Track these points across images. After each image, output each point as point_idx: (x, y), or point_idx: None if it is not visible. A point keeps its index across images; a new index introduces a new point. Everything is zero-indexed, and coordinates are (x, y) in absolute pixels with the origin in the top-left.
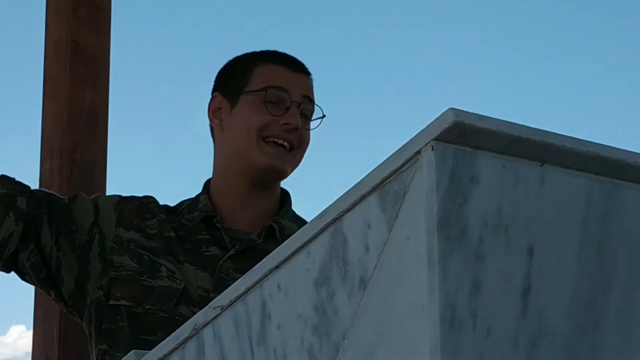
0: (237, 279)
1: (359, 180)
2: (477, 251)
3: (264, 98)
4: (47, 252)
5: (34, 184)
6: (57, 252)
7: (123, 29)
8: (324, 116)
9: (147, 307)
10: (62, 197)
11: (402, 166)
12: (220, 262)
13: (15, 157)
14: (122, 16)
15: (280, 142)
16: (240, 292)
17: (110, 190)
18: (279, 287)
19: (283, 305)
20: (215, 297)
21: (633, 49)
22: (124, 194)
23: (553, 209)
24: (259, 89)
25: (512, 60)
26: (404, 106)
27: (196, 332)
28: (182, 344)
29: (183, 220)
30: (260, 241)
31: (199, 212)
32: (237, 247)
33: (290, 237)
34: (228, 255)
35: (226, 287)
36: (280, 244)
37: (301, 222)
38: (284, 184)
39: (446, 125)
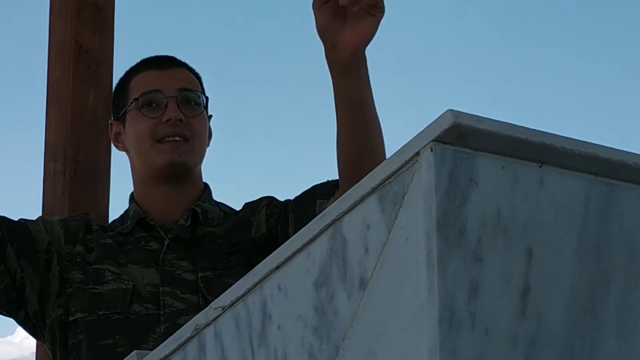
0: (183, 267)
1: (358, 182)
2: (476, 252)
3: (137, 106)
4: (12, 274)
5: (37, 185)
6: (22, 273)
7: (126, 31)
8: (207, 98)
9: (100, 313)
10: (14, 219)
11: (401, 167)
12: (161, 256)
13: (19, 158)
14: (125, 18)
15: (172, 138)
16: (241, 292)
17: (113, 192)
18: (279, 287)
19: (283, 306)
20: (165, 290)
21: (633, 49)
22: (116, 199)
23: (552, 210)
24: (134, 100)
25: (511, 61)
26: (402, 108)
27: (197, 332)
28: (184, 344)
29: (119, 230)
30: (188, 224)
31: (131, 219)
32: (169, 236)
33: (291, 238)
34: (165, 245)
35: (173, 278)
36: (205, 225)
37: (223, 205)
38: (277, 182)
39: (445, 127)
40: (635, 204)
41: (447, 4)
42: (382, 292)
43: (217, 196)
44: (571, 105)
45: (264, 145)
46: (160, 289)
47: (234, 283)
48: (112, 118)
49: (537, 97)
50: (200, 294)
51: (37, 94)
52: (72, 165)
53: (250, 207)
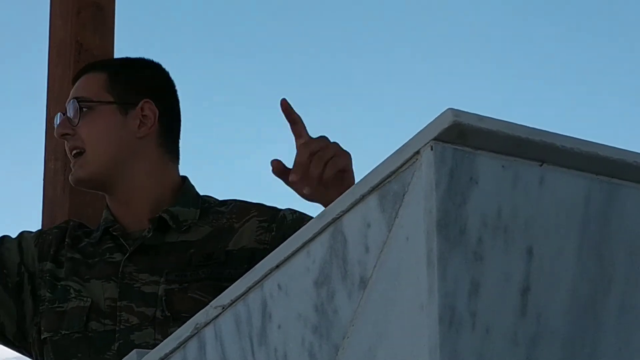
0: (143, 279)
1: (358, 180)
2: (476, 251)
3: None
4: None
5: (38, 184)
6: None
7: (126, 30)
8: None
9: (63, 332)
10: None
11: (401, 166)
12: (121, 269)
13: (19, 157)
14: (126, 17)
15: (70, 155)
16: (241, 291)
17: None
18: (279, 286)
19: (283, 305)
20: (123, 304)
21: (636, 49)
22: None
23: (552, 208)
24: None
25: (512, 59)
26: (403, 106)
27: (197, 331)
28: (184, 343)
29: (87, 239)
30: (150, 235)
31: (100, 228)
32: (130, 248)
33: (291, 237)
34: (125, 258)
35: (131, 292)
36: (176, 232)
37: (205, 202)
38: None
39: (445, 126)
40: (636, 203)
41: (451, 1)
42: (383, 291)
43: (230, 189)
44: (572, 104)
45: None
46: (118, 303)
47: (198, 298)
48: None
49: (539, 95)
50: (160, 307)
51: (38, 92)
52: None
53: (238, 211)
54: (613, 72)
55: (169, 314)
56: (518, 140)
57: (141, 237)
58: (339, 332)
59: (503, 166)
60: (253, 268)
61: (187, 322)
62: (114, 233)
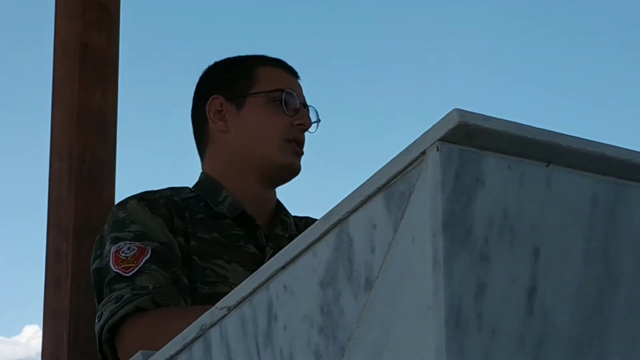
0: None
1: (364, 181)
2: (483, 252)
3: (275, 98)
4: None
5: (43, 185)
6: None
7: (132, 31)
8: (318, 120)
9: None
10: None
11: (407, 167)
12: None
13: (24, 158)
14: (131, 18)
15: (297, 143)
16: (247, 292)
17: (119, 191)
18: (285, 287)
19: (289, 306)
20: None
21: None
22: (121, 199)
23: (559, 209)
24: (270, 90)
25: (518, 59)
26: (409, 106)
27: (203, 332)
28: (189, 344)
29: (224, 212)
30: (287, 236)
31: (229, 207)
32: (270, 245)
33: (297, 238)
34: (269, 255)
35: None
36: (288, 239)
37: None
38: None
39: (451, 126)
40: None
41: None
42: (388, 292)
43: None
44: (578, 104)
45: None
46: None
47: None
48: (218, 95)
49: (545, 95)
50: None
51: (43, 93)
52: (78, 165)
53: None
54: (621, 73)
55: None
56: (524, 141)
57: (278, 236)
58: (345, 333)
59: (509, 167)
60: (259, 269)
61: (193, 324)
62: (257, 223)
